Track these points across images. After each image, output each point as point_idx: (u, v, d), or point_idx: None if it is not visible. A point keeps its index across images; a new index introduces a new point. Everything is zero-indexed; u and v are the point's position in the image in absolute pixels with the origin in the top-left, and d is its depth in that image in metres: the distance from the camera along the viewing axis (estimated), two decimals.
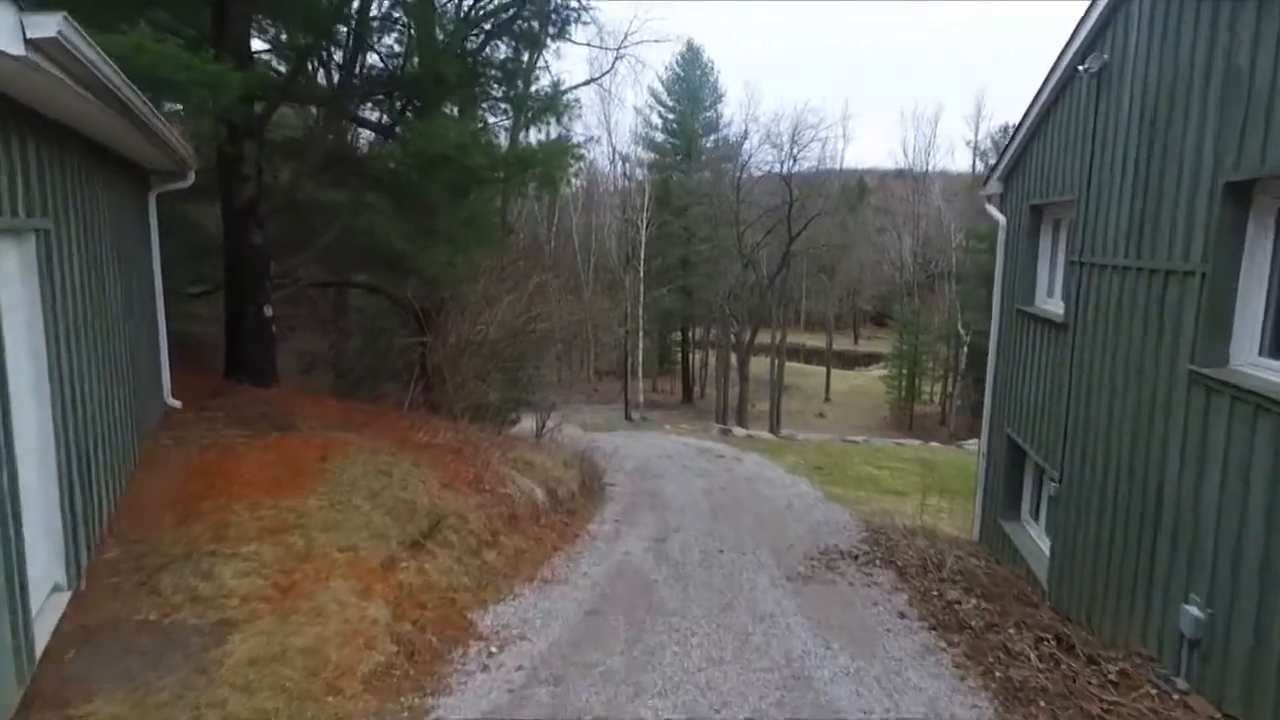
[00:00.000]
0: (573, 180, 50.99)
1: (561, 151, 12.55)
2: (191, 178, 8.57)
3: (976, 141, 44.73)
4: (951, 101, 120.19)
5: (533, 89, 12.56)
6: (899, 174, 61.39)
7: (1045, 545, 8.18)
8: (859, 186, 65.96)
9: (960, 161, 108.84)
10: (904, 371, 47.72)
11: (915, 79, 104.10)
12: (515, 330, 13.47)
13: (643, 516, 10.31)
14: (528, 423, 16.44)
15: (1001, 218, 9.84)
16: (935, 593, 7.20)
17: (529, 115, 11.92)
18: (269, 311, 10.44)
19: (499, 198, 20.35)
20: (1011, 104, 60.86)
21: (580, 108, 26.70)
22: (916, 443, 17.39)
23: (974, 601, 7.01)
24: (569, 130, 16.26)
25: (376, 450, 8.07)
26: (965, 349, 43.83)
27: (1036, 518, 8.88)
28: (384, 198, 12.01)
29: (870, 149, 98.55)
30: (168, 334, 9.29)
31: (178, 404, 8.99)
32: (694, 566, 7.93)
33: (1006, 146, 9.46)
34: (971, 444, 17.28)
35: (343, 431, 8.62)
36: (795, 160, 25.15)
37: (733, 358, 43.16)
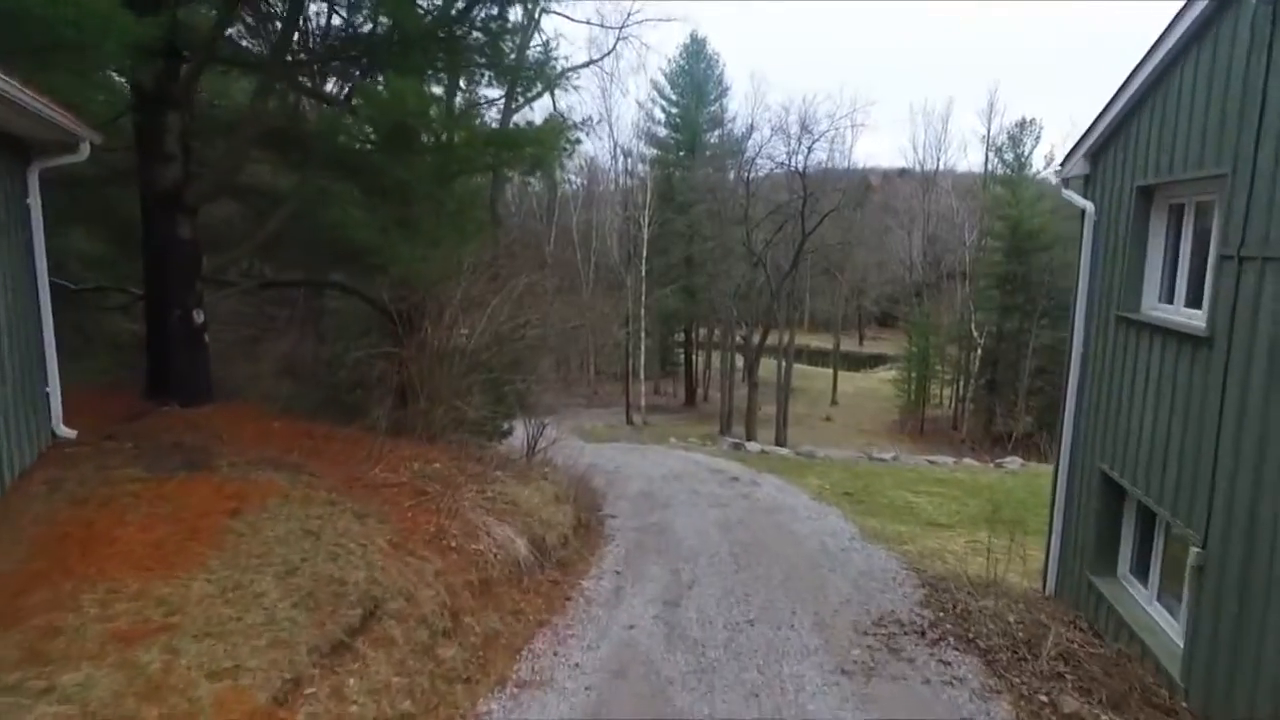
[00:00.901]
0: (567, 165, 49.15)
1: (555, 132, 10.73)
2: (86, 151, 6.72)
3: (990, 136, 42.91)
4: (963, 96, 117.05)
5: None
6: (906, 172, 59.61)
7: (1170, 622, 6.34)
8: (865, 184, 64.12)
9: (973, 158, 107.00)
10: (914, 374, 45.85)
11: (922, 78, 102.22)
12: (502, 337, 11.62)
13: (649, 564, 8.47)
14: (521, 434, 14.66)
15: (1088, 205, 7.98)
16: (1043, 697, 5.36)
17: (515, 84, 10.05)
18: (200, 317, 8.59)
19: (488, 187, 18.57)
20: (1026, 99, 59.41)
21: (578, 77, 24.84)
22: (949, 460, 15.53)
23: (1097, 713, 5.18)
24: (565, 114, 14.43)
25: (310, 498, 6.22)
26: (979, 351, 42.00)
27: (1144, 578, 7.03)
28: (350, 184, 10.17)
29: (878, 147, 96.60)
30: (67, 344, 7.48)
31: (71, 433, 7.14)
32: (718, 650, 6.08)
33: (1098, 118, 7.60)
34: (1011, 463, 15.45)
35: (274, 470, 6.77)
36: (810, 151, 23.40)
37: (739, 361, 41.32)
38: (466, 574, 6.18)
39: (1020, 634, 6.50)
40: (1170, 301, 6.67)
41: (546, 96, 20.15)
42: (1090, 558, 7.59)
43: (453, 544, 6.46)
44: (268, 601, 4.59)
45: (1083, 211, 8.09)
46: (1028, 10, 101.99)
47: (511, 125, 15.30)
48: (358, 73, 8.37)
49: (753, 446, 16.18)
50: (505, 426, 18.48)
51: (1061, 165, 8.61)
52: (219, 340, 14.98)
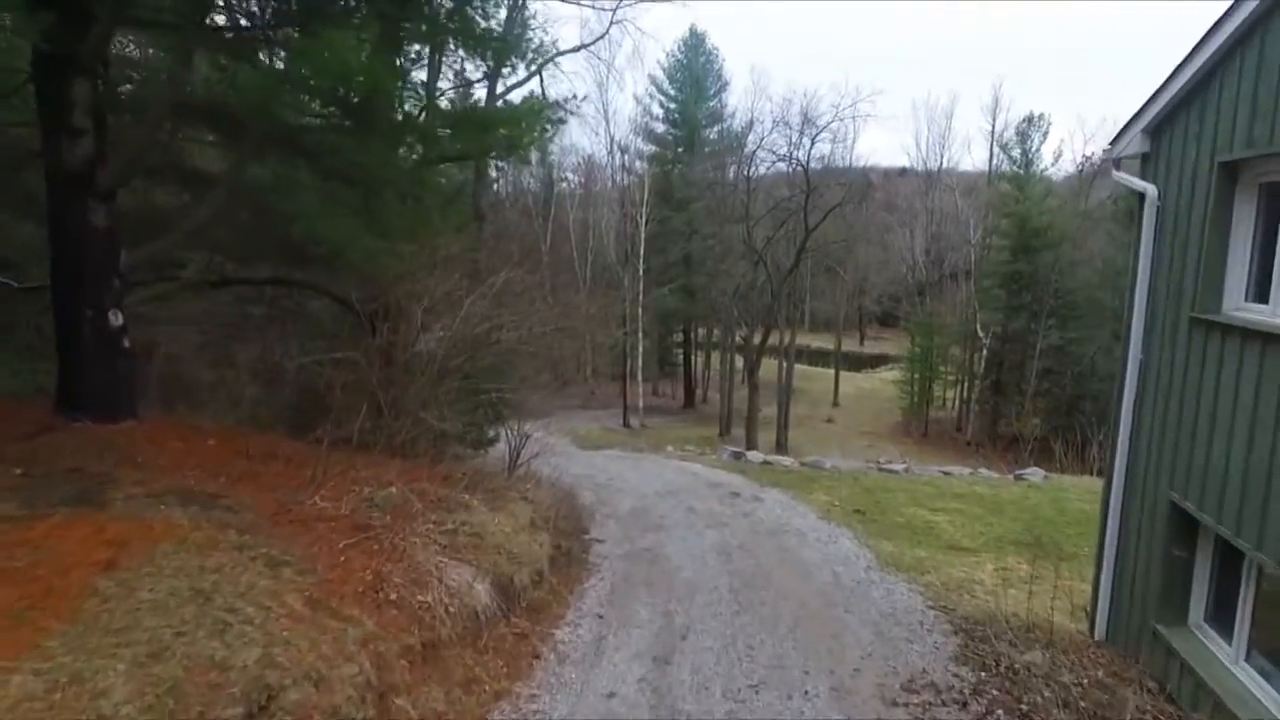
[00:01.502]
0: (561, 160, 47.87)
1: (531, 113, 9.54)
2: None
3: (995, 132, 41.65)
4: (965, 95, 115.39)
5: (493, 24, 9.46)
6: (907, 171, 58.47)
7: (1268, 691, 5.16)
8: (866, 182, 62.97)
9: (977, 155, 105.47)
10: (916, 375, 44.65)
11: (923, 79, 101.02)
12: (476, 341, 10.43)
13: (637, 605, 7.28)
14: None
15: (1148, 187, 6.78)
16: None
17: (498, 62, 8.88)
18: (117, 319, 7.39)
19: (471, 179, 17.39)
20: (1028, 98, 58.01)
21: (565, 62, 23.42)
22: (965, 472, 14.34)
23: None
24: (556, 99, 13.25)
25: (214, 542, 5.03)
26: (984, 352, 40.83)
27: (1226, 631, 5.86)
28: (300, 166, 8.99)
29: (881, 143, 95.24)
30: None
31: None
32: None
33: (1164, 85, 6.40)
34: (1032, 474, 14.27)
35: (181, 505, 5.57)
36: (813, 143, 22.16)
37: (738, 362, 40.13)
38: (406, 636, 4.98)
39: (1084, 703, 5.31)
40: (1264, 300, 5.48)
41: (535, 84, 18.95)
42: (1155, 602, 6.41)
43: (393, 596, 5.26)
44: (108, 705, 3.40)
45: (1140, 196, 6.90)
46: (1027, 10, 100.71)
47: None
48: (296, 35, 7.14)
49: (754, 456, 15.00)
50: (490, 434, 17.31)
51: (1111, 144, 7.41)
52: (184, 342, 13.80)
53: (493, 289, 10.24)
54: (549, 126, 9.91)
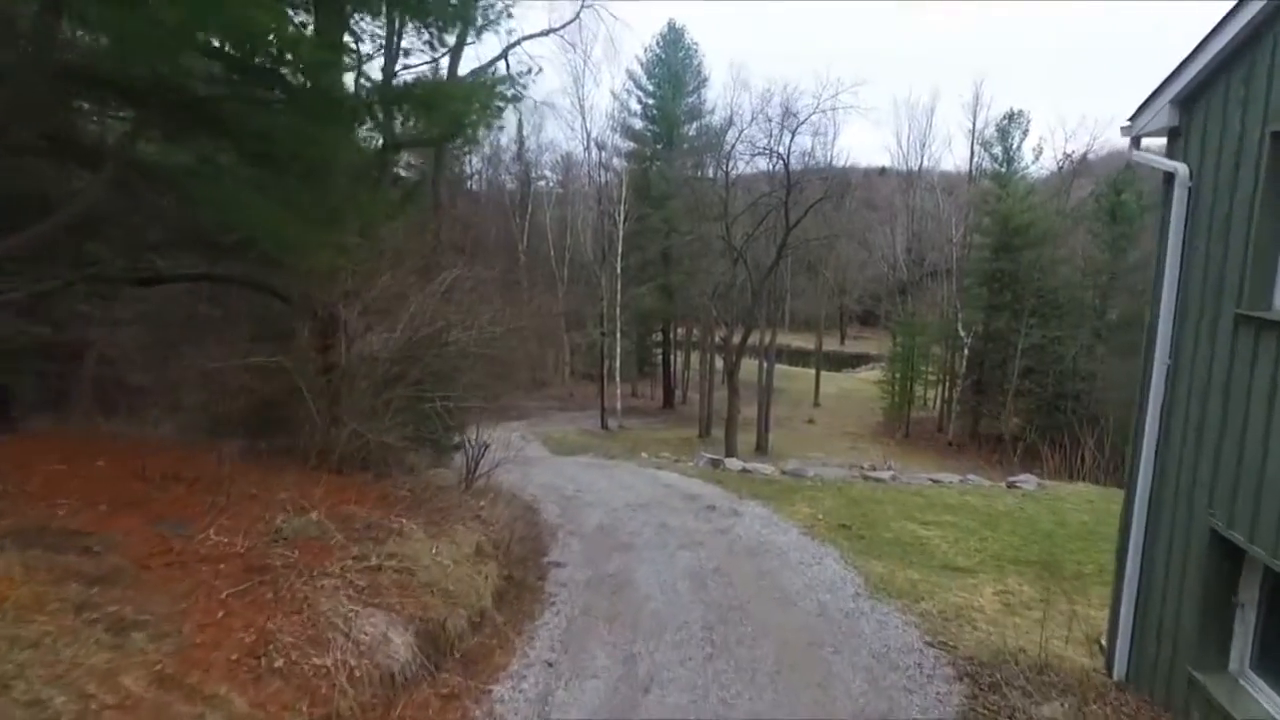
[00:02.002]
0: (519, 132, 46.51)
1: (483, 90, 8.49)
2: None
3: (976, 130, 41.11)
4: (945, 95, 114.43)
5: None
6: (885, 171, 57.91)
7: None
8: (846, 181, 62.42)
9: (958, 153, 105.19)
10: (898, 375, 44.05)
11: (901, 80, 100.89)
12: (427, 344, 9.37)
13: (596, 647, 6.29)
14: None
15: (1178, 167, 5.88)
16: None
17: (424, 18, 7.81)
18: None
19: (430, 168, 16.31)
20: (1011, 93, 57.29)
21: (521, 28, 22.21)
22: (955, 480, 13.50)
23: None
24: (514, 74, 12.21)
25: (47, 599, 3.96)
26: (965, 351, 40.27)
27: (1276, 680, 4.98)
28: (223, 146, 7.90)
29: (861, 144, 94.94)
30: None
31: None
32: None
33: (1198, 49, 5.51)
34: (1025, 482, 13.45)
35: (22, 547, 4.49)
36: (793, 135, 21.22)
37: (719, 363, 39.26)
38: (290, 716, 3.94)
39: None
40: None
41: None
42: (1190, 643, 5.52)
43: (279, 662, 4.22)
44: None
45: (1169, 176, 6.00)
46: (1007, 10, 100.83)
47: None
48: None
49: (732, 464, 14.05)
50: (455, 442, 16.21)
51: (1131, 120, 6.49)
52: (130, 343, 12.58)
53: (443, 285, 9.18)
54: (505, 103, 8.87)
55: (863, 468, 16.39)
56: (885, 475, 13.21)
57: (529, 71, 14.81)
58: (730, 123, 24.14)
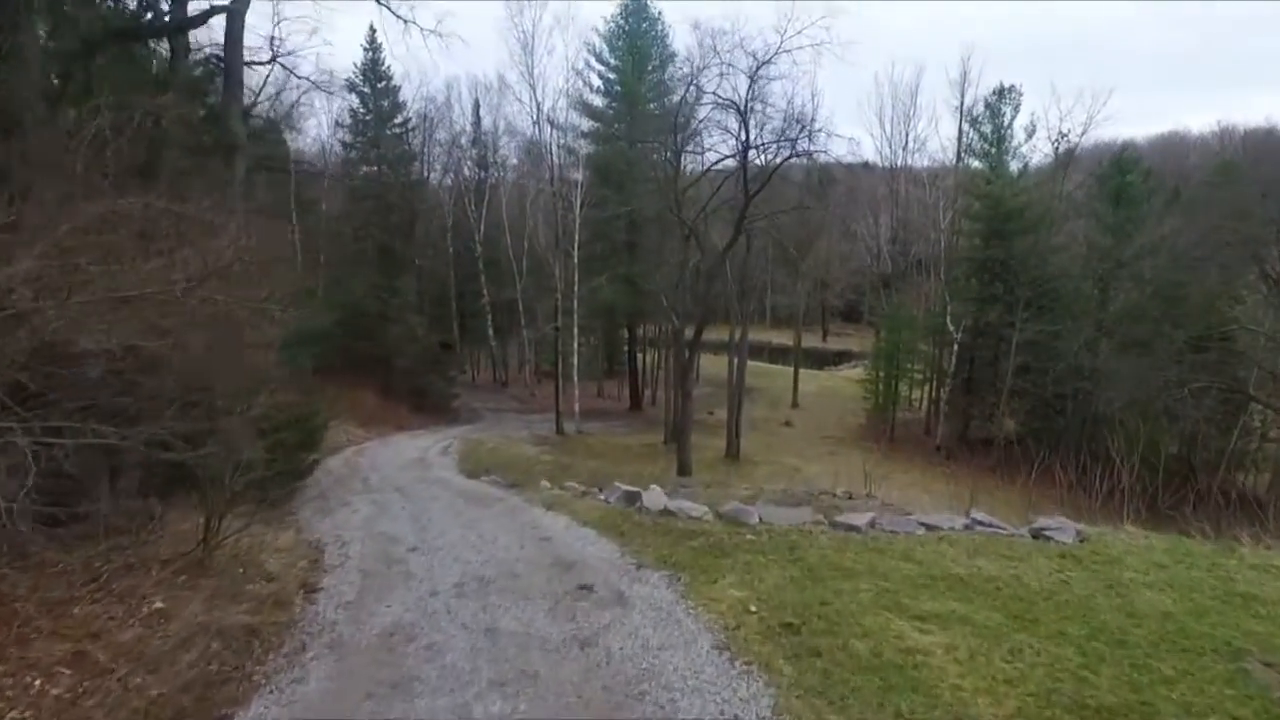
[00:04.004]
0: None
1: None
2: None
3: (965, 108, 37.05)
4: (933, 64, 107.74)
5: None
6: (868, 165, 53.88)
7: None
8: (827, 174, 58.48)
9: (945, 132, 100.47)
10: (882, 373, 40.07)
11: (887, 49, 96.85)
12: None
13: None
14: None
15: None
16: None
17: None
18: None
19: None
20: (1001, 69, 52.57)
21: None
22: (957, 524, 9.42)
23: None
24: None
25: None
26: (955, 348, 36.29)
27: None
28: None
29: (839, 141, 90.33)
30: None
31: None
32: None
33: None
34: (1058, 530, 9.35)
35: None
36: (752, 80, 16.94)
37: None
38: None
39: None
40: None
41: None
42: None
43: None
44: None
45: None
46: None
47: None
48: None
49: (653, 500, 9.95)
50: (311, 459, 12.09)
51: None
52: None
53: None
54: None
55: (834, 496, 12.32)
56: (861, 521, 9.10)
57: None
58: (693, 77, 19.93)
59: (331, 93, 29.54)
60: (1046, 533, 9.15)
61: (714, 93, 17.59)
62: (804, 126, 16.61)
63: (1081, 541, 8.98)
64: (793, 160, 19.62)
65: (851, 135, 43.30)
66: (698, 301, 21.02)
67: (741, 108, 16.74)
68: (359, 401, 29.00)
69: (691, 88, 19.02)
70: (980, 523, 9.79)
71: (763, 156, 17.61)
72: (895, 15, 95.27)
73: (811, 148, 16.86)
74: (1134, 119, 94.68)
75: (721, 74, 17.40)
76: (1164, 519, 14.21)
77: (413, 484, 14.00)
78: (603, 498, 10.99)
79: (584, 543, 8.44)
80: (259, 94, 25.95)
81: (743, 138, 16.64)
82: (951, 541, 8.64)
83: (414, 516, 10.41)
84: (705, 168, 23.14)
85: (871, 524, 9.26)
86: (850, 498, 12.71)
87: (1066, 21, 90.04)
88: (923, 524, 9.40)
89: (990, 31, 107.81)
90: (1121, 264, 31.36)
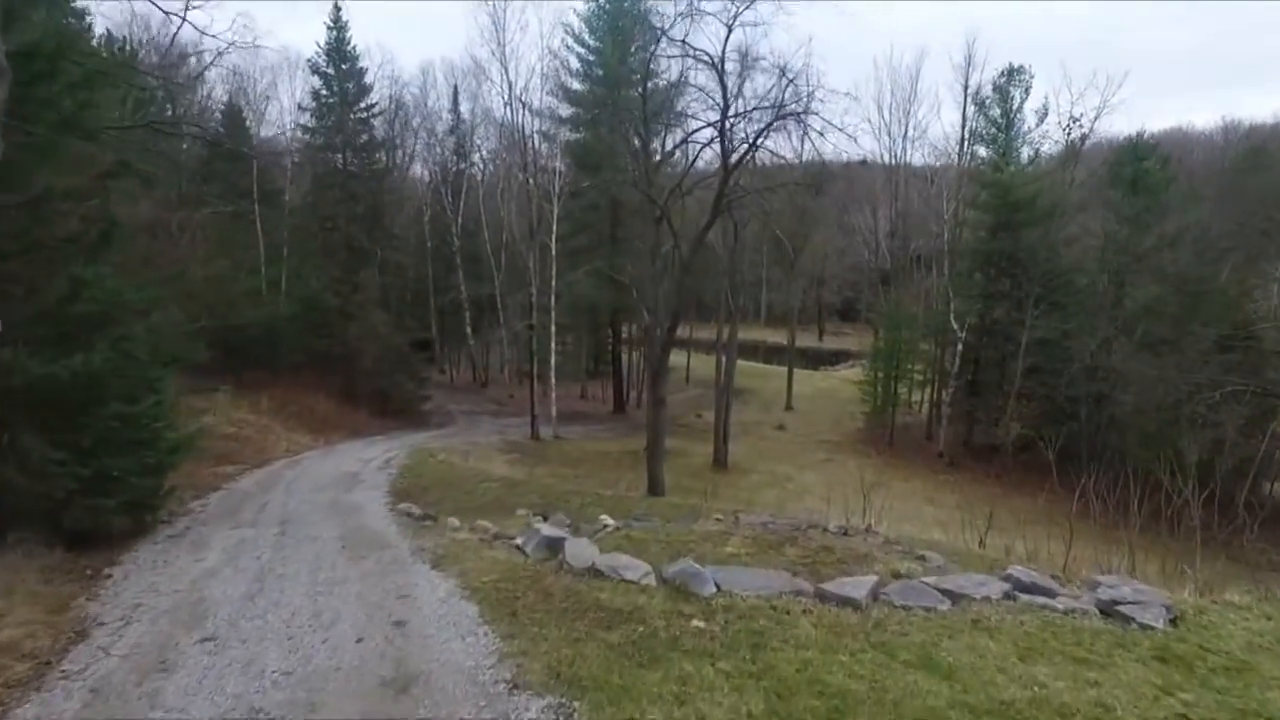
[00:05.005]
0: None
1: None
2: None
3: (970, 90, 34.17)
4: (936, 48, 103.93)
5: None
6: (866, 162, 51.02)
7: None
8: (823, 169, 55.66)
9: (947, 119, 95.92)
10: (880, 375, 37.27)
11: (886, 32, 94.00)
12: None
13: None
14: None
15: None
16: None
17: None
18: None
19: None
20: (1009, 50, 49.21)
21: None
22: (994, 590, 6.64)
23: None
24: None
25: None
26: (959, 347, 33.49)
27: None
28: None
29: (837, 102, 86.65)
30: None
31: None
32: None
33: None
34: (1137, 600, 6.59)
35: None
36: (730, 30, 14.15)
37: (680, 359, 32.24)
38: None
39: None
40: None
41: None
42: None
43: None
44: None
45: None
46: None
47: None
48: None
49: (579, 553, 7.28)
50: (168, 489, 9.50)
51: None
52: None
53: None
54: None
55: (825, 531, 9.55)
56: (861, 592, 6.32)
57: None
58: (670, 25, 17.05)
59: (255, 47, 27.12)
60: (1121, 607, 6.38)
61: (683, 41, 14.82)
62: (791, 80, 13.75)
63: (1174, 622, 6.20)
64: (784, 141, 16.89)
65: (848, 91, 39.48)
66: (673, 293, 18.18)
67: (717, 63, 14.04)
68: (311, 405, 26.22)
69: (662, 41, 16.18)
70: (1023, 585, 7.03)
71: (746, 126, 14.83)
72: (891, 15, 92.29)
73: (803, 110, 13.96)
74: (1134, 116, 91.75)
75: (692, 17, 14.60)
76: (1217, 546, 11.57)
77: (310, 514, 11.26)
78: (519, 542, 8.22)
79: (453, 633, 5.67)
80: (168, 51, 23.17)
81: (720, 100, 13.96)
82: (991, 629, 5.86)
83: (261, 573, 7.66)
84: (681, 139, 20.28)
85: (875, 595, 6.49)
86: (846, 534, 9.93)
87: (1068, 20, 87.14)
88: (946, 592, 6.62)
89: (990, 31, 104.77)
90: (1140, 256, 28.56)
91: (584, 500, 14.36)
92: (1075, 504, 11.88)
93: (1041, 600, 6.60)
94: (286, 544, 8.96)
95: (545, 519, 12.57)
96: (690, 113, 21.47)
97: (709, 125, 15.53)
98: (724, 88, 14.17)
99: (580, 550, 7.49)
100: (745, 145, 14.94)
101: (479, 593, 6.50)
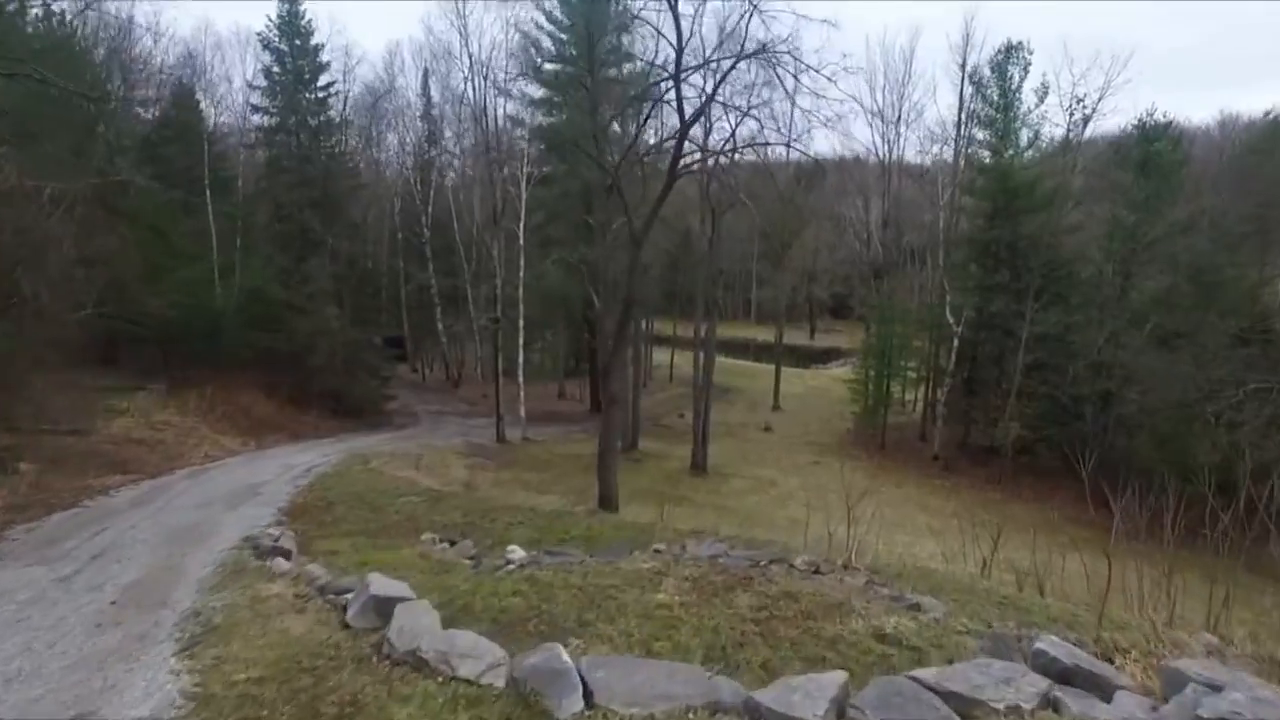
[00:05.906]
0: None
1: None
2: None
3: (967, 70, 31.77)
4: (932, 27, 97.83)
5: None
6: (858, 158, 48.66)
7: None
8: (817, 166, 53.22)
9: (943, 102, 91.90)
10: (872, 372, 34.87)
11: (879, 13, 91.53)
12: None
13: None
14: None
15: None
16: None
17: None
18: None
19: None
20: (1009, 27, 46.61)
21: None
22: (1027, 691, 4.16)
23: None
24: None
25: None
26: (955, 343, 31.10)
27: None
28: None
29: (826, 137, 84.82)
30: None
31: None
32: None
33: None
34: (1217, 691, 4.08)
35: None
36: None
37: (661, 357, 29.86)
38: None
39: None
40: None
41: None
42: None
43: None
44: None
45: None
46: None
47: None
48: None
49: (411, 628, 4.73)
50: None
51: None
52: None
53: None
54: None
55: (791, 566, 7.21)
56: (815, 709, 3.98)
57: None
58: None
59: None
60: (1201, 716, 3.96)
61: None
62: (755, 5, 11.27)
63: None
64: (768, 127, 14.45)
65: (825, 18, 36.58)
66: (624, 275, 15.70)
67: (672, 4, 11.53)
68: (248, 406, 23.73)
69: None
70: (1062, 671, 4.63)
71: (707, 75, 12.38)
72: (887, 14, 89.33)
73: (773, 49, 11.49)
74: (1132, 114, 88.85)
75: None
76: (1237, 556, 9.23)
77: (137, 547, 8.84)
78: (347, 599, 5.78)
79: None
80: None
81: (674, 38, 11.51)
82: None
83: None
84: (631, 97, 17.64)
85: (840, 711, 4.07)
86: (818, 571, 7.56)
87: (1070, 20, 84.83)
88: (951, 698, 4.19)
89: (988, 32, 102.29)
90: (1149, 244, 26.18)
91: (512, 519, 11.92)
92: (1092, 513, 9.40)
93: (1097, 710, 4.18)
94: (45, 598, 6.52)
95: (452, 545, 10.17)
96: (643, 56, 18.67)
97: (662, 67, 12.96)
98: (677, 22, 11.73)
99: (413, 621, 5.06)
100: (703, 98, 12.51)
101: (210, 705, 4.07)
